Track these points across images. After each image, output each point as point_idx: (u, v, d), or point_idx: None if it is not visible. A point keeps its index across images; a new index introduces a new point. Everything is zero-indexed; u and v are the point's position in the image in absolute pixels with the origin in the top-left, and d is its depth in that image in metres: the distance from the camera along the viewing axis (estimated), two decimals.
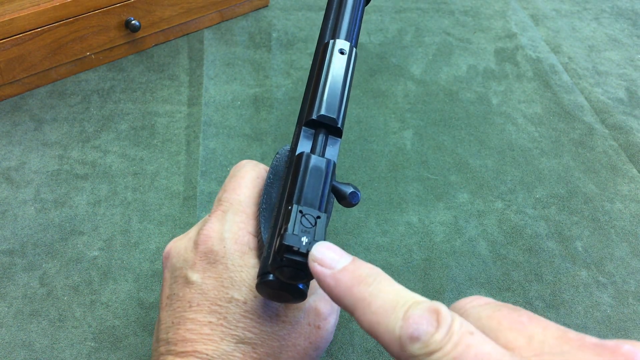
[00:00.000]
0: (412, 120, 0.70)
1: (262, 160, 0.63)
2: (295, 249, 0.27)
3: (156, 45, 0.78)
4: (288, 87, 0.73)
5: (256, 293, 0.33)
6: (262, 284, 0.30)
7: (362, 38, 0.83)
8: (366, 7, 0.76)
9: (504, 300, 0.46)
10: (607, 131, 0.71)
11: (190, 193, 0.59)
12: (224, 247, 0.34)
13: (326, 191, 0.31)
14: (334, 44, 0.37)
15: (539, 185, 0.63)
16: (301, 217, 0.29)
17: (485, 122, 0.70)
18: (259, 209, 0.36)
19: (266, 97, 0.71)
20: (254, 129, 0.67)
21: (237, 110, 0.69)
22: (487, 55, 0.82)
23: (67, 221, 0.55)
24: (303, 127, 0.35)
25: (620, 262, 0.56)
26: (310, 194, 0.30)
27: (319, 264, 0.25)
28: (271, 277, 0.29)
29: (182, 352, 0.32)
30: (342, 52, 0.37)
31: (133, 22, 0.72)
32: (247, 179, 0.38)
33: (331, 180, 0.32)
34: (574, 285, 0.53)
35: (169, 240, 0.38)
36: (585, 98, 0.75)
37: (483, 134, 0.68)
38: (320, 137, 0.34)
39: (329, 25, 0.40)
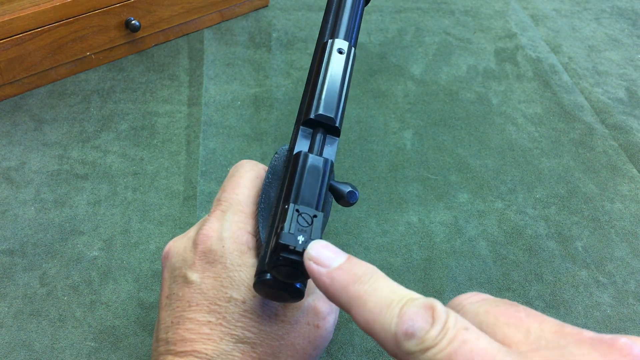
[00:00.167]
0: (412, 120, 0.70)
1: (262, 160, 0.63)
2: (292, 247, 0.27)
3: (156, 45, 0.78)
4: (288, 87, 0.73)
5: (255, 292, 0.33)
6: (259, 283, 0.30)
7: (362, 38, 0.83)
8: (366, 7, 0.76)
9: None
10: (607, 131, 0.70)
11: (190, 193, 0.59)
12: (223, 246, 0.34)
13: (323, 190, 0.31)
14: (332, 43, 0.37)
15: (539, 185, 0.63)
16: (298, 216, 0.29)
17: (485, 122, 0.70)
18: (257, 209, 0.36)
19: (266, 97, 0.71)
20: (254, 129, 0.67)
21: (237, 110, 0.69)
22: (487, 55, 0.82)
23: (67, 221, 0.55)
24: (301, 127, 0.35)
25: (620, 262, 0.56)
26: (307, 192, 0.30)
27: (315, 262, 0.26)
28: (268, 276, 0.29)
29: (182, 352, 0.32)
30: (340, 51, 0.37)
31: (133, 22, 0.72)
32: (246, 179, 0.38)
33: (329, 180, 0.32)
34: (574, 285, 0.53)
35: (169, 240, 0.38)
36: (585, 98, 0.75)
37: (483, 134, 0.68)
38: (318, 137, 0.34)
39: (328, 25, 0.40)
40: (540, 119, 0.71)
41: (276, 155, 0.38)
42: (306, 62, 0.77)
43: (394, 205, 0.59)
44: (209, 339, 0.32)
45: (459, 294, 0.52)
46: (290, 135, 0.68)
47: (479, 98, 0.74)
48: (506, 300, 0.23)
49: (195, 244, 0.35)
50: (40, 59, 0.68)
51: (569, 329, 0.21)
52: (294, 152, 0.33)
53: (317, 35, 0.41)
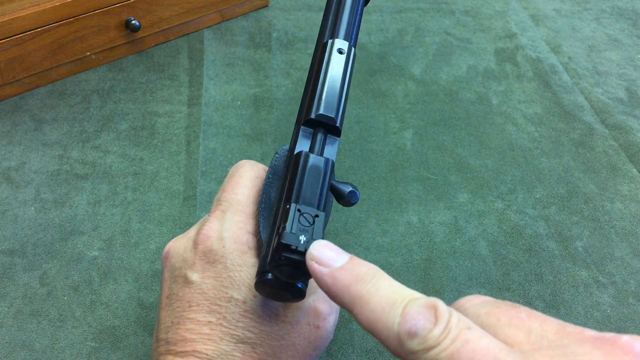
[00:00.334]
0: (412, 120, 0.70)
1: (262, 160, 0.63)
2: (293, 247, 0.27)
3: (156, 45, 0.78)
4: (288, 87, 0.73)
5: (256, 292, 0.33)
6: (261, 282, 0.30)
7: (362, 38, 0.83)
8: (366, 7, 0.76)
9: (504, 300, 0.46)
10: (607, 131, 0.71)
11: (190, 193, 0.59)
12: (223, 246, 0.34)
13: (324, 190, 0.31)
14: (332, 43, 0.37)
15: (539, 185, 0.63)
16: (299, 215, 0.29)
17: (485, 122, 0.70)
18: (258, 209, 0.36)
19: (266, 97, 0.71)
20: (254, 129, 0.67)
21: (237, 110, 0.69)
22: (487, 55, 0.82)
23: (67, 221, 0.55)
24: (302, 127, 0.35)
25: (620, 262, 0.56)
26: (308, 192, 0.30)
27: (317, 262, 0.26)
28: (270, 276, 0.29)
29: (182, 352, 0.32)
30: (340, 51, 0.37)
31: (133, 22, 0.72)
32: (246, 179, 0.38)
33: (330, 179, 0.32)
34: (574, 285, 0.53)
35: (169, 240, 0.38)
36: (585, 98, 0.75)
37: (483, 134, 0.68)
38: (319, 136, 0.34)
39: (328, 25, 0.40)
40: (540, 119, 0.71)
41: (276, 155, 0.38)
42: (306, 62, 0.77)
43: (394, 205, 0.59)
44: (209, 339, 0.32)
45: (459, 293, 0.52)
46: (290, 135, 0.68)
47: (479, 98, 0.74)
48: (507, 302, 0.24)
49: (195, 244, 0.35)
50: (40, 59, 0.68)
51: (571, 328, 0.21)
52: (295, 152, 0.33)
53: (317, 35, 0.41)
